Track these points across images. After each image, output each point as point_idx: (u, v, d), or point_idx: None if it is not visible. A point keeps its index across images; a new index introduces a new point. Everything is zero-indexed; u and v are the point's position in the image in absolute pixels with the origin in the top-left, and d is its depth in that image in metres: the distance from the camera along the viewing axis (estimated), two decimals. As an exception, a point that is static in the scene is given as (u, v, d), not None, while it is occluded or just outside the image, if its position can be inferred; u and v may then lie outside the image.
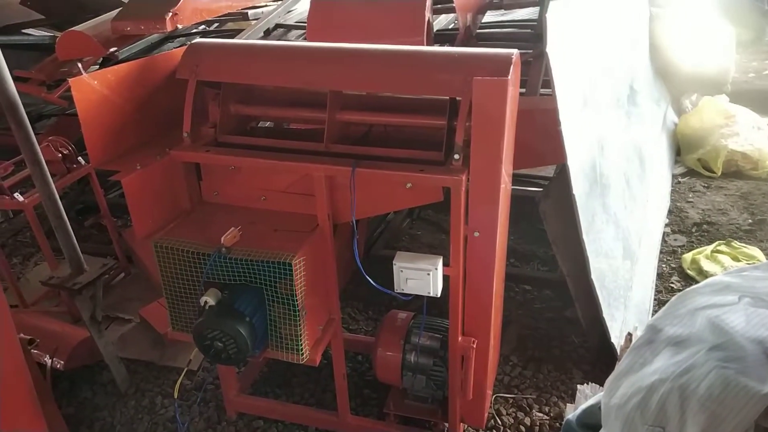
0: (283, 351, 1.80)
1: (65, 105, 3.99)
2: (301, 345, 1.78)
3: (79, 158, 3.12)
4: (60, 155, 3.01)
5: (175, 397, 2.02)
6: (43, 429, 1.83)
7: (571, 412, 1.77)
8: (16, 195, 2.86)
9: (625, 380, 0.80)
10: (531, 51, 2.86)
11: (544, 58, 2.03)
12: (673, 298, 0.85)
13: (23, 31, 5.42)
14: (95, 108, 1.80)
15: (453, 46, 3.03)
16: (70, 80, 1.74)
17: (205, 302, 1.69)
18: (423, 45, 2.48)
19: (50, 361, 2.47)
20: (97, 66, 4.17)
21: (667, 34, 4.65)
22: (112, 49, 3.72)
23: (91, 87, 1.77)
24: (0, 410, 1.63)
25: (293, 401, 2.49)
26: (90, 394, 2.60)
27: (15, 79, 2.02)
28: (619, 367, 0.83)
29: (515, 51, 1.67)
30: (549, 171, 3.67)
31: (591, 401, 1.10)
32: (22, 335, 2.06)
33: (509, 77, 1.56)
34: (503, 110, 1.56)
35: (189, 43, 1.97)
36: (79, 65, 3.72)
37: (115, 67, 1.90)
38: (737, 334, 0.69)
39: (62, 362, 2.49)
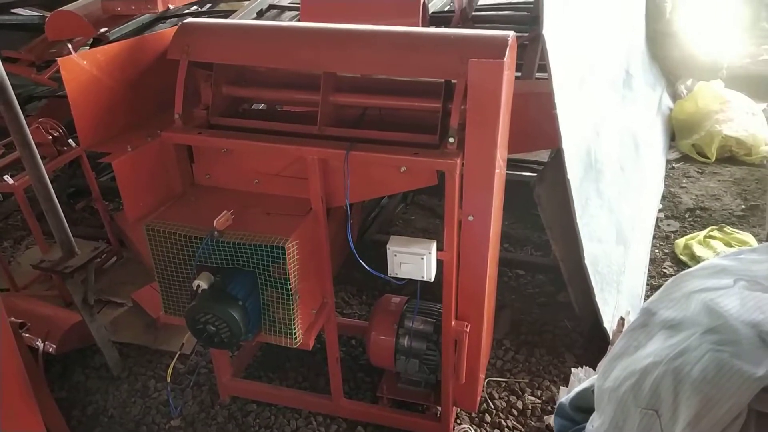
0: (276, 335, 1.79)
1: (55, 86, 3.94)
2: (295, 329, 1.77)
3: (70, 140, 3.09)
4: (50, 137, 2.97)
5: (168, 380, 2.01)
6: (36, 413, 1.82)
7: (564, 396, 1.78)
8: (6, 178, 2.83)
9: (619, 363, 0.80)
10: (527, 34, 2.84)
11: (541, 40, 2.01)
12: (668, 282, 0.85)
13: (12, 10, 5.32)
14: (85, 88, 1.77)
15: (448, 28, 3.00)
16: (59, 60, 1.71)
17: (198, 286, 1.68)
18: (418, 27, 2.45)
19: (42, 345, 2.46)
20: (88, 47, 4.10)
21: (662, 18, 4.63)
22: (102, 30, 3.66)
23: (80, 67, 1.74)
24: (-9, 393, 1.63)
25: (287, 385, 2.50)
26: (82, 378, 2.59)
27: (3, 59, 1.99)
28: (613, 350, 0.82)
29: (511, 33, 1.65)
30: (543, 156, 3.66)
31: (584, 384, 1.10)
32: (12, 319, 2.04)
33: (505, 59, 1.54)
34: (499, 93, 1.54)
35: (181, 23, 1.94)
36: (69, 46, 3.67)
37: (105, 47, 1.86)
38: (732, 317, 0.69)
39: (54, 346, 2.48)
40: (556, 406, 1.81)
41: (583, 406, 1.00)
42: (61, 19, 3.36)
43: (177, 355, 2.04)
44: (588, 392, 0.96)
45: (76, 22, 3.32)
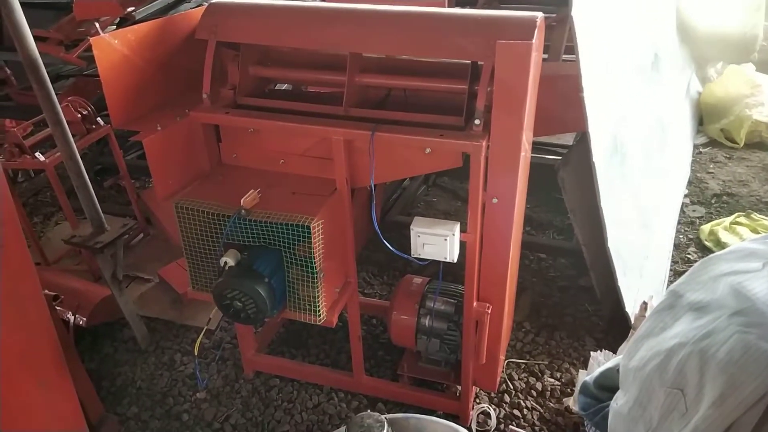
0: (300, 312, 1.83)
1: (83, 65, 4.00)
2: (319, 306, 1.80)
3: (98, 119, 3.14)
4: (79, 116, 3.03)
5: (196, 354, 2.07)
6: (69, 382, 1.89)
7: (583, 378, 1.79)
8: (37, 154, 2.90)
9: (645, 343, 0.81)
10: (554, 15, 2.79)
11: (569, 22, 1.99)
12: (696, 264, 0.85)
13: (40, -10, 5.39)
14: (116, 68, 1.80)
15: (475, 8, 2.96)
16: (91, 39, 1.73)
17: (225, 263, 1.72)
18: (444, 7, 2.43)
19: (73, 317, 2.54)
20: (114, 26, 4.15)
21: (694, 0, 4.51)
22: (129, 9, 3.70)
23: (111, 47, 1.77)
24: (28, 363, 1.69)
25: (309, 361, 2.55)
26: (111, 350, 2.67)
27: (33, 38, 2.02)
28: (639, 331, 0.83)
29: (540, 14, 1.63)
30: (567, 139, 3.63)
31: (609, 364, 1.12)
32: (46, 291, 2.11)
33: (533, 41, 1.53)
34: (526, 75, 1.53)
35: (207, 2, 1.95)
36: (97, 25, 3.72)
37: (135, 26, 1.88)
38: (759, 300, 0.69)
39: (84, 319, 2.56)
40: (576, 388, 1.82)
41: (608, 384, 1.01)
42: (90, -2, 3.41)
43: (204, 330, 2.09)
44: (612, 371, 0.97)
45: (104, 2, 3.37)
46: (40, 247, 3.18)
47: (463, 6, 3.17)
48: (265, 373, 2.48)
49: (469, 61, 1.74)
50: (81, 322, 2.55)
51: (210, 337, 2.70)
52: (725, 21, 4.68)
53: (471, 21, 1.72)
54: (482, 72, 1.63)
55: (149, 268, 3.10)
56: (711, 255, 0.85)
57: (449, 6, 2.59)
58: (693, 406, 0.71)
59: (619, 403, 0.85)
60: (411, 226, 1.83)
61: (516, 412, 2.28)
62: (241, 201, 1.69)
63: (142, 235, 3.40)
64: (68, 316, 2.53)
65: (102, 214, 2.33)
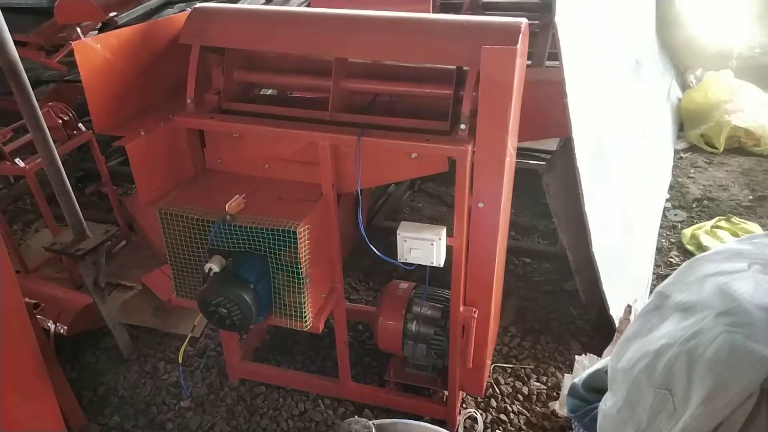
0: (287, 318, 1.82)
1: (65, 70, 3.95)
2: (305, 312, 1.79)
3: (80, 125, 3.10)
4: (60, 121, 2.99)
5: (180, 362, 2.04)
6: (50, 392, 1.86)
7: (569, 382, 1.80)
8: (17, 161, 2.85)
9: (633, 344, 0.81)
10: (537, 21, 2.82)
11: (552, 28, 2.01)
12: (682, 266, 0.86)
13: (20, -6, 5.33)
14: (98, 72, 1.78)
15: (459, 14, 2.99)
16: (73, 44, 1.71)
17: (210, 269, 1.70)
18: (429, 12, 2.45)
19: (53, 326, 2.50)
20: (96, 31, 4.11)
21: (673, 8, 4.59)
22: (111, 14, 3.67)
23: (94, 51, 1.75)
24: (8, 372, 1.65)
25: (295, 368, 2.53)
26: (93, 359, 2.63)
27: (13, 43, 1.99)
28: (627, 332, 0.84)
29: (524, 20, 1.65)
30: (550, 144, 3.66)
31: (597, 365, 1.12)
32: (27, 299, 2.07)
33: (518, 47, 1.54)
34: (511, 80, 1.55)
35: (191, 8, 1.94)
36: (78, 30, 3.68)
37: (118, 31, 1.87)
38: (745, 300, 0.70)
39: (65, 327, 2.52)
40: (562, 392, 1.82)
41: (596, 386, 1.02)
42: (71, 3, 3.38)
43: (188, 337, 2.07)
44: (601, 373, 0.98)
45: (86, 7, 3.34)
46: (19, 254, 3.12)
47: (447, 12, 3.19)
48: (251, 381, 2.46)
49: (455, 66, 1.75)
50: (62, 331, 2.51)
51: (194, 344, 2.67)
52: (704, 29, 4.76)
53: (456, 26, 1.73)
54: (467, 77, 1.64)
55: (132, 275, 3.06)
56: (697, 256, 0.86)
57: (434, 12, 2.60)
58: (681, 405, 0.71)
59: (608, 404, 0.86)
60: (398, 231, 1.83)
61: (503, 416, 2.28)
62: (226, 206, 1.68)
63: (124, 242, 3.36)
64: (49, 324, 2.49)
65: (84, 220, 2.30)
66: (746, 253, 0.79)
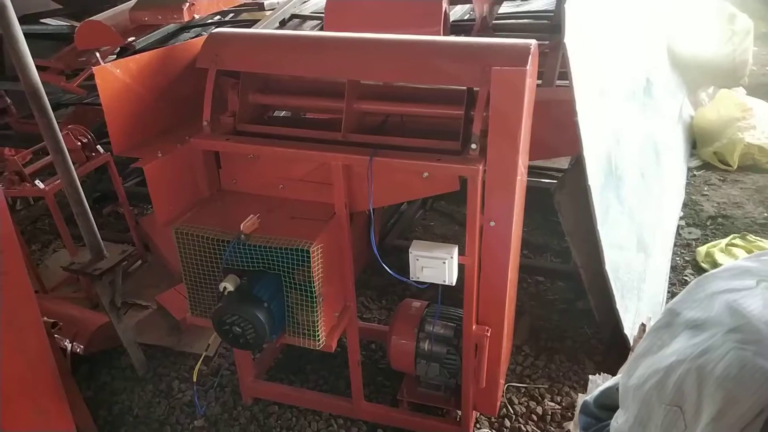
0: (300, 337, 1.83)
1: (84, 94, 4.04)
2: (318, 331, 1.80)
3: (98, 147, 3.17)
4: (79, 144, 3.05)
5: (194, 381, 2.06)
6: (66, 410, 1.88)
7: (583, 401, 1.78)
8: (37, 182, 2.91)
9: (643, 362, 0.81)
10: (547, 42, 2.85)
11: (562, 48, 2.03)
12: (692, 283, 0.86)
13: (41, 20, 5.49)
14: (118, 96, 1.83)
15: (470, 36, 3.02)
16: (94, 68, 1.77)
17: (224, 288, 1.72)
18: (440, 35, 2.48)
19: (70, 345, 2.53)
20: (115, 56, 4.21)
21: (684, 26, 4.61)
22: (129, 39, 3.76)
23: (114, 75, 1.80)
24: (26, 390, 1.68)
25: (308, 387, 2.53)
26: (109, 378, 2.65)
27: (35, 68, 2.05)
28: (637, 349, 0.84)
29: (533, 41, 1.67)
30: (563, 163, 3.67)
31: (608, 383, 1.12)
32: (45, 318, 2.11)
33: (528, 67, 1.57)
34: (521, 100, 1.57)
35: (207, 33, 2.00)
36: (97, 55, 3.77)
37: (137, 56, 1.92)
38: (755, 317, 0.70)
39: (82, 346, 2.55)
40: (576, 411, 1.81)
41: (608, 403, 1.01)
42: (90, 28, 3.47)
43: (202, 356, 2.08)
44: (612, 390, 0.97)
45: (105, 32, 3.42)
46: (37, 274, 3.17)
47: (458, 33, 3.23)
48: (264, 400, 2.46)
49: (465, 87, 1.78)
50: (78, 350, 2.54)
51: (208, 363, 2.69)
52: (716, 47, 4.76)
53: (466, 48, 1.76)
54: (478, 98, 1.67)
55: (147, 294, 3.10)
56: (706, 273, 0.86)
57: (444, 34, 2.64)
58: (692, 422, 0.71)
59: (619, 421, 0.85)
60: (410, 250, 1.84)
61: (517, 436, 2.26)
62: (241, 226, 1.70)
63: (140, 262, 3.40)
64: (66, 343, 2.52)
65: (101, 241, 2.34)
66: (754, 271, 0.79)
